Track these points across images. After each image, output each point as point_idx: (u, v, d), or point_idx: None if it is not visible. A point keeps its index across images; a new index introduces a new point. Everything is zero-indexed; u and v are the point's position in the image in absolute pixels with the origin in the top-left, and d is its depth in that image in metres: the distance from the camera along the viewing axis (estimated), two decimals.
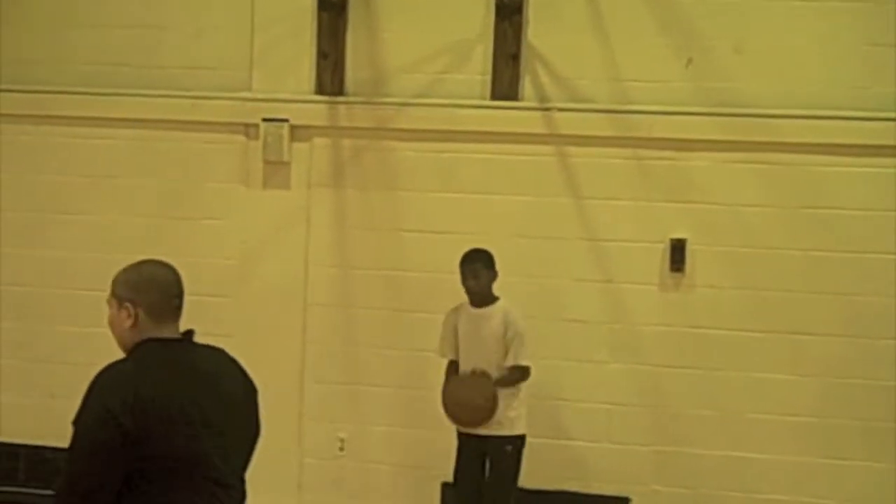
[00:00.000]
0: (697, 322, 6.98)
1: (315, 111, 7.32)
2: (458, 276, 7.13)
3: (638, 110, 6.97)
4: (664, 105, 6.94)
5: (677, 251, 6.93)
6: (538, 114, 7.08)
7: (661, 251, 6.98)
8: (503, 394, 6.15)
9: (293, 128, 7.29)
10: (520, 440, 6.30)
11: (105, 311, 7.99)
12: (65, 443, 8.09)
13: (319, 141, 7.37)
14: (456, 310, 6.43)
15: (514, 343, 6.20)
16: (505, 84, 7.13)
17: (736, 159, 6.91)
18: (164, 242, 7.50)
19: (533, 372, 6.31)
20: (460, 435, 6.36)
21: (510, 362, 6.20)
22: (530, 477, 7.06)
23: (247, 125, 7.40)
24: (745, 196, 6.91)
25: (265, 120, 7.30)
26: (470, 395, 6.14)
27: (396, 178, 7.29)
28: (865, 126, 6.72)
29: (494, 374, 6.17)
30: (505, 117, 7.11)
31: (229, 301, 7.47)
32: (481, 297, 6.28)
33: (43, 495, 7.69)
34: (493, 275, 6.30)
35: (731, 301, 6.95)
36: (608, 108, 7.00)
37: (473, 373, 6.19)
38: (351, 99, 7.31)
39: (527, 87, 7.14)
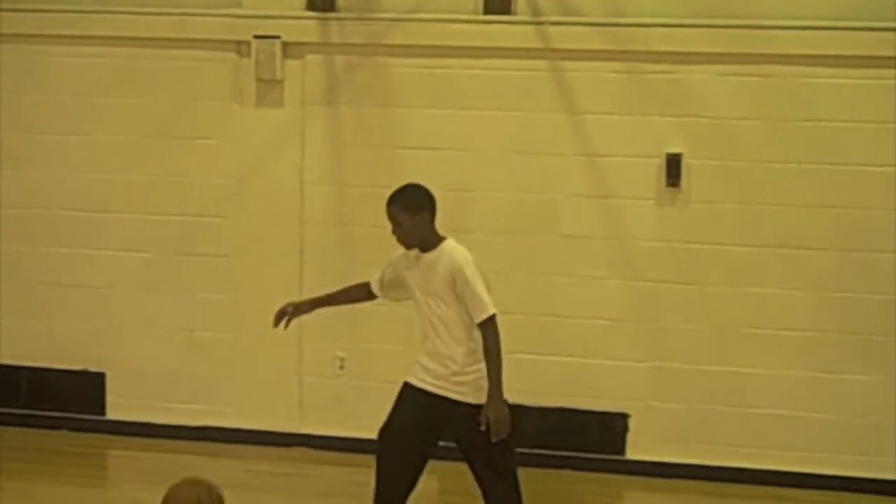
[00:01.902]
0: (693, 237, 7.08)
1: (307, 27, 7.36)
2: (453, 194, 7.30)
3: (633, 23, 7.00)
4: (659, 17, 6.96)
5: (673, 165, 7.00)
6: (532, 28, 7.11)
7: (657, 166, 7.06)
8: (467, 350, 5.10)
9: (285, 45, 7.35)
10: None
11: (99, 232, 8.17)
12: (63, 364, 8.40)
13: (312, 58, 7.42)
14: (406, 254, 5.36)
15: (467, 294, 5.05)
16: None
17: (732, 72, 6.95)
18: (157, 162, 7.65)
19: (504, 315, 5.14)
20: (407, 386, 5.28)
21: (476, 318, 5.06)
22: (527, 394, 7.24)
23: (238, 42, 7.45)
24: (741, 109, 6.97)
25: (256, 37, 7.35)
26: None
27: (390, 95, 7.36)
28: (863, 37, 6.74)
29: (460, 334, 5.10)
30: (498, 32, 7.14)
31: (225, 221, 7.60)
32: (414, 244, 5.23)
33: (43, 416, 7.98)
34: (422, 218, 5.20)
35: (727, 215, 7.04)
36: (602, 21, 7.03)
37: None
38: (343, 15, 7.34)
39: (520, 0, 7.15)
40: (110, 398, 7.91)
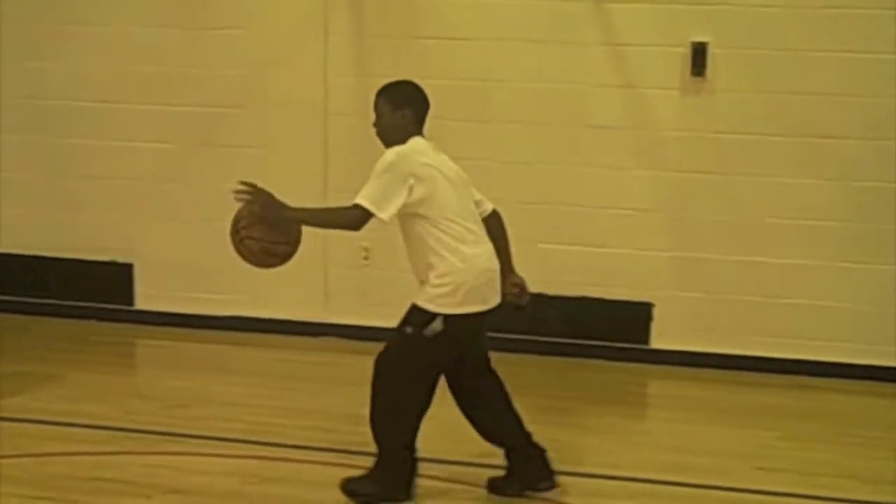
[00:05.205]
0: (718, 127, 7.24)
1: None
2: (476, 84, 7.54)
3: None
4: None
5: (698, 55, 7.13)
6: None
7: (682, 55, 7.19)
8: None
9: None
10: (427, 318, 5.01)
11: (121, 124, 8.35)
12: (91, 255, 8.66)
13: None
14: None
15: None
16: None
17: None
18: (177, 52, 7.90)
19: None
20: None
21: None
22: (551, 284, 7.58)
23: None
24: None
25: None
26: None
27: None
28: None
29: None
30: None
31: (247, 112, 7.85)
32: (390, 142, 5.09)
33: (73, 306, 8.36)
34: (404, 115, 5.06)
35: (753, 105, 7.18)
36: None
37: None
38: None
39: None
40: (138, 288, 8.27)
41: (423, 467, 5.25)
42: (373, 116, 5.15)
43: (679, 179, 7.40)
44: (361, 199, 4.92)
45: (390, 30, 7.62)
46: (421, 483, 5.23)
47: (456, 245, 5.00)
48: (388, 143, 5.09)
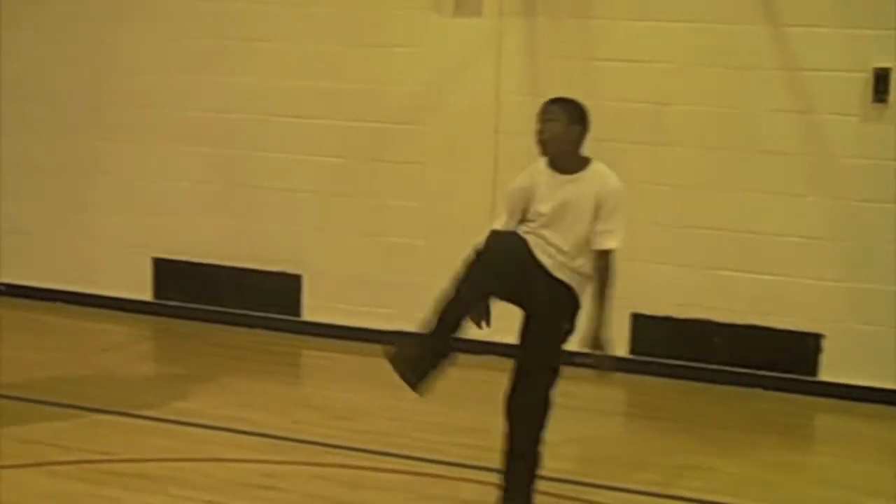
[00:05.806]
0: None
1: None
2: (650, 107, 7.53)
3: None
4: None
5: (881, 81, 6.99)
6: None
7: (864, 80, 7.06)
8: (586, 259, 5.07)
9: None
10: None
11: (298, 138, 8.62)
12: (262, 265, 8.87)
13: None
14: (531, 174, 5.22)
15: (611, 218, 4.98)
16: None
17: None
18: (353, 70, 8.09)
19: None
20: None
21: (604, 244, 4.99)
22: (719, 311, 7.54)
23: None
24: None
25: None
26: None
27: (589, 6, 7.53)
28: None
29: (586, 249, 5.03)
30: None
31: (420, 129, 7.98)
32: (556, 151, 5.10)
33: (242, 315, 8.62)
34: (576, 131, 5.07)
35: None
36: None
37: None
38: None
39: None
40: (306, 300, 8.48)
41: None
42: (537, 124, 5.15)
43: (856, 208, 7.25)
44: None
45: (563, 51, 7.65)
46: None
47: None
48: (552, 153, 5.10)
